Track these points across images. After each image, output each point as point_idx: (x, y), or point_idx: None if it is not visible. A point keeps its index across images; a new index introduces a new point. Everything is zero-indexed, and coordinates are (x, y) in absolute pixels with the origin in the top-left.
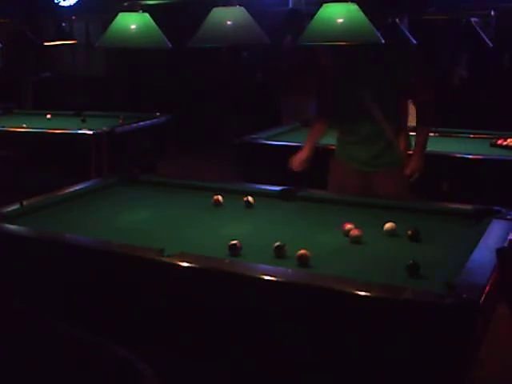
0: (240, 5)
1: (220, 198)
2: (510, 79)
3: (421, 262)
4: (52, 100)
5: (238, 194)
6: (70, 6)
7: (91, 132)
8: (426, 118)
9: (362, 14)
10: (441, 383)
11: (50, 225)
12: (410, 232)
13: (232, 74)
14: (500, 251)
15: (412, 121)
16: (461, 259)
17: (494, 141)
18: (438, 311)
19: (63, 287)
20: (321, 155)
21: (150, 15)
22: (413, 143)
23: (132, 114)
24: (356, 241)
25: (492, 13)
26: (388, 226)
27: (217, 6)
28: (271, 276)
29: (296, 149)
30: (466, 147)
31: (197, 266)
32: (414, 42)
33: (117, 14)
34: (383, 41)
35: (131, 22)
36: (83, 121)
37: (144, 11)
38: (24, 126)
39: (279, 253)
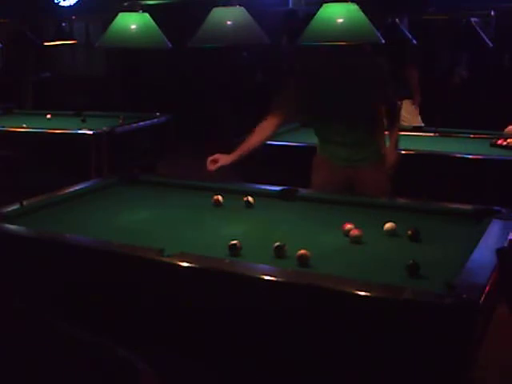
0: (240, 5)
1: (220, 197)
2: (510, 79)
3: (421, 261)
4: (52, 100)
5: (237, 194)
6: (70, 6)
7: (91, 132)
8: (396, 119)
9: (361, 13)
10: (441, 383)
11: (50, 225)
12: (410, 232)
13: (232, 73)
14: (500, 251)
15: (412, 121)
16: (461, 259)
17: (494, 141)
18: (438, 311)
19: (63, 287)
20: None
21: (150, 15)
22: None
23: (132, 114)
24: (356, 241)
25: (492, 13)
26: (388, 225)
27: (217, 6)
28: (271, 276)
29: (296, 149)
30: (466, 147)
31: (197, 265)
32: (414, 41)
33: (117, 14)
34: (383, 41)
35: (131, 22)
36: (83, 121)
37: (144, 11)
38: (24, 125)
39: (279, 253)
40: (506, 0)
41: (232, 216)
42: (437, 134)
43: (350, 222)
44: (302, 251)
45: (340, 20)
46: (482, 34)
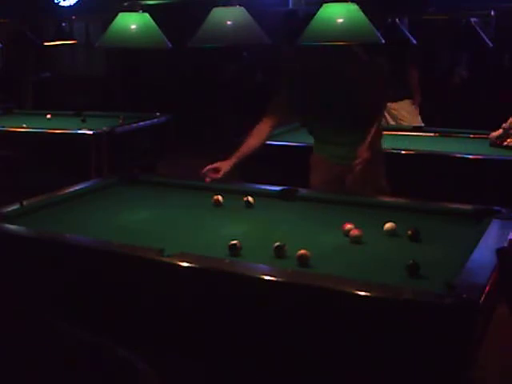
0: (240, 5)
1: (220, 197)
2: (510, 79)
3: (421, 261)
4: (52, 100)
5: (238, 194)
6: (70, 6)
7: (91, 132)
8: (376, 119)
9: (361, 13)
10: (441, 383)
11: (50, 225)
12: (410, 232)
13: (232, 73)
14: (500, 251)
15: (412, 121)
16: (461, 259)
17: (497, 141)
18: (438, 311)
19: (63, 287)
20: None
21: (150, 15)
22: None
23: (132, 114)
24: (356, 241)
25: (492, 13)
26: (388, 226)
27: (217, 6)
28: (271, 276)
29: (296, 149)
30: (466, 147)
31: (197, 265)
32: (414, 41)
33: (117, 14)
34: (383, 41)
35: (131, 22)
36: (83, 121)
37: (144, 11)
38: (24, 125)
39: (279, 253)
40: (506, 0)
41: (232, 216)
42: (437, 134)
43: (349, 221)
44: (302, 251)
45: (340, 20)
46: (482, 34)
